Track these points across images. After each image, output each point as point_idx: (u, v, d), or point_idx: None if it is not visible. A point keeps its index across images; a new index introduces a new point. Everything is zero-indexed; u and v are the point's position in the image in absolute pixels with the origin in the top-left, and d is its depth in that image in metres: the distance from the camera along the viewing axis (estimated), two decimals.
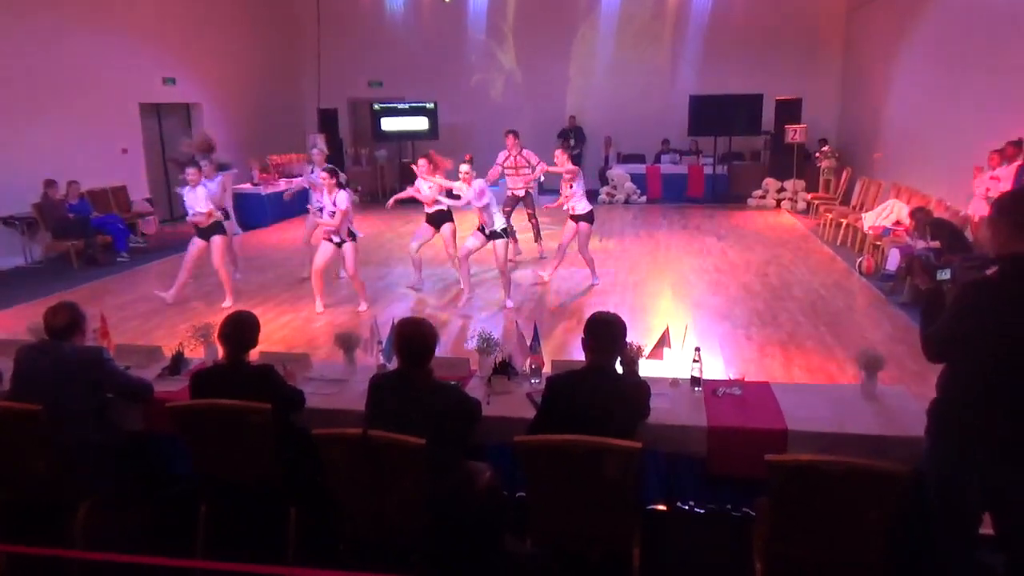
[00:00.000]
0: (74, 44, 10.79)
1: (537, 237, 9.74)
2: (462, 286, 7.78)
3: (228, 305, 7.44)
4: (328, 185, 6.97)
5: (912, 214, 8.13)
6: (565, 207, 8.05)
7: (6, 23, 9.63)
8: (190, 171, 7.38)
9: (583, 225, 7.96)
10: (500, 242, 7.22)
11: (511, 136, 9.26)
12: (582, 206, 7.92)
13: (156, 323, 7.17)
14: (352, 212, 7.20)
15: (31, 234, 10.01)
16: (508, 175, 9.32)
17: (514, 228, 8.38)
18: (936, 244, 7.39)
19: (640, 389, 3.11)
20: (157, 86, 12.76)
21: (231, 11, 14.55)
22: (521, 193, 9.38)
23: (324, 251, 7.21)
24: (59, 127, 10.50)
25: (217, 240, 7.56)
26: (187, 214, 7.56)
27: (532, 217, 9.66)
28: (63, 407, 3.24)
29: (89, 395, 3.35)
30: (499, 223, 7.21)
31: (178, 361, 4.02)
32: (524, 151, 9.27)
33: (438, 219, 8.02)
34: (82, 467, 3.30)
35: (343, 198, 6.94)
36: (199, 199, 7.41)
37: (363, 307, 7.38)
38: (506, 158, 9.28)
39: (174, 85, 13.09)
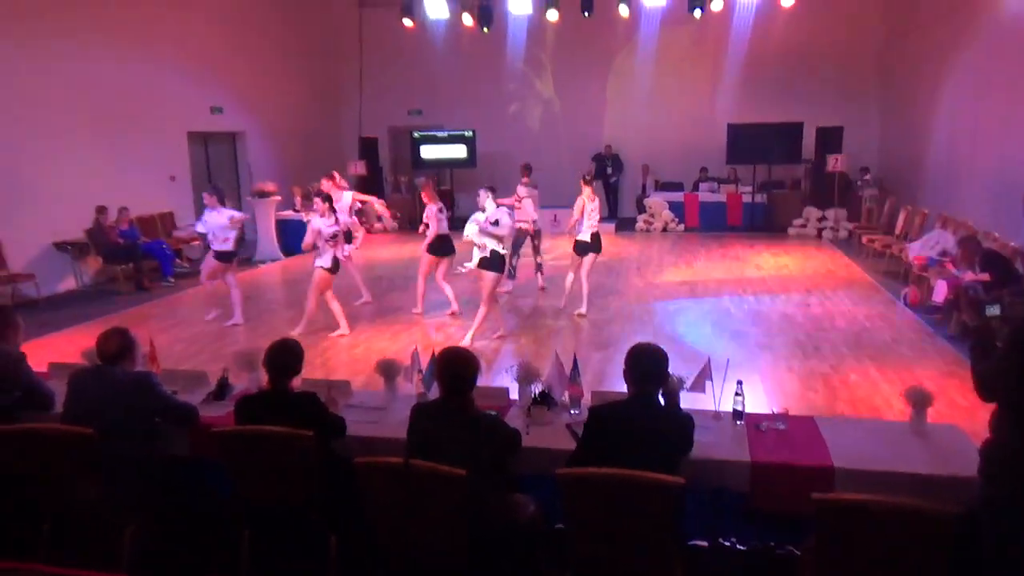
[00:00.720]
0: (128, 76, 11.19)
1: (538, 269, 9.63)
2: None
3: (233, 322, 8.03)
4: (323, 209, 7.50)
5: (960, 243, 7.95)
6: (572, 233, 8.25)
7: (66, 55, 10.01)
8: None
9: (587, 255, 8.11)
10: (490, 274, 7.11)
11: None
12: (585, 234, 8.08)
13: (200, 347, 7.32)
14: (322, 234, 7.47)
15: (82, 259, 10.33)
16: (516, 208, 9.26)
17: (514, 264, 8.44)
18: (985, 277, 7.20)
19: (684, 422, 3.08)
20: (205, 115, 13.14)
21: (276, 41, 14.96)
22: (525, 226, 9.26)
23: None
24: (111, 155, 10.86)
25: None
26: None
27: (536, 251, 9.61)
28: (113, 430, 3.31)
29: (138, 419, 3.43)
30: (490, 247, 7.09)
31: (223, 386, 4.09)
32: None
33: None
34: (130, 490, 3.36)
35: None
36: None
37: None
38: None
39: (221, 114, 13.47)
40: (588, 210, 8.11)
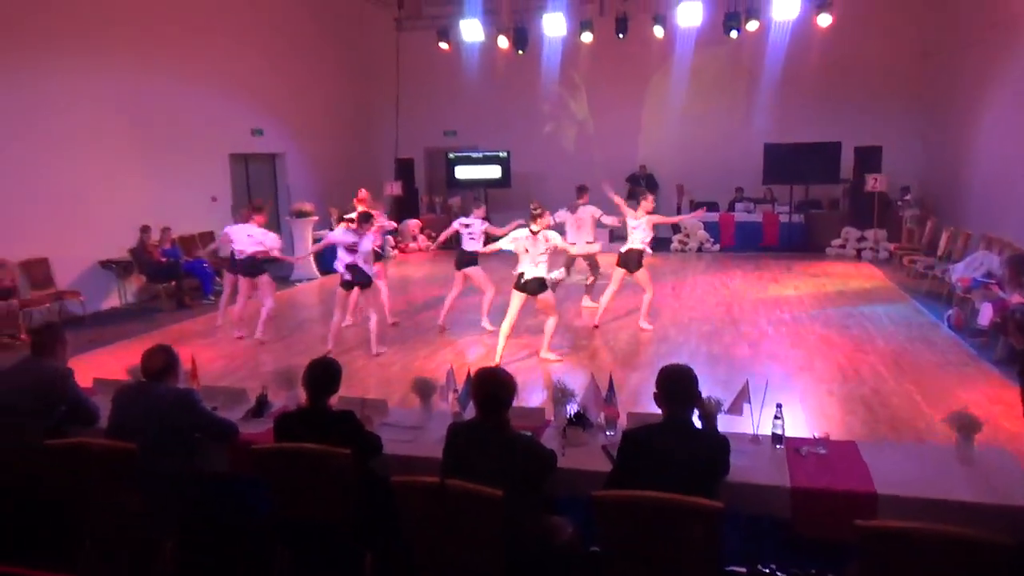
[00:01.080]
0: (173, 99, 11.51)
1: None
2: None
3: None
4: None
5: (1008, 263, 7.71)
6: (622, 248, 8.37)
7: (114, 79, 10.36)
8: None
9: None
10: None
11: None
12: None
13: (238, 364, 7.43)
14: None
15: (126, 277, 10.59)
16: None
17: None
18: None
19: (719, 445, 3.05)
20: (246, 137, 13.45)
21: (316, 65, 15.28)
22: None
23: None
24: (156, 176, 11.16)
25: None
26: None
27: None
28: (156, 446, 3.38)
29: (180, 435, 3.49)
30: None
31: (262, 404, 4.15)
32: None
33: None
34: (169, 505, 3.42)
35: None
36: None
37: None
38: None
39: (262, 136, 13.77)
40: (631, 224, 8.26)
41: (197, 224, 12.01)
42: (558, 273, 7.09)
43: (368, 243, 7.59)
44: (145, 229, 10.35)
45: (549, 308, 7.05)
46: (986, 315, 7.43)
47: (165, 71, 11.33)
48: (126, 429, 3.44)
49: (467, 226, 8.27)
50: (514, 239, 6.89)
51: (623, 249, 8.37)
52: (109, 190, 10.31)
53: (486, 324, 8.39)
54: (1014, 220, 10.15)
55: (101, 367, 6.89)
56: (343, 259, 7.50)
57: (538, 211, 6.82)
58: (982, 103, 11.85)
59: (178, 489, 3.46)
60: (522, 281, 6.87)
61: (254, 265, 8.12)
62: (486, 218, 8.49)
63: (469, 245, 8.23)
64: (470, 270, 8.26)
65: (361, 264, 7.43)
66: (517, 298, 6.93)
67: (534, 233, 6.79)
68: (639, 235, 8.27)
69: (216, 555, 3.75)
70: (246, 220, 8.25)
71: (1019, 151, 10.39)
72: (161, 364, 3.56)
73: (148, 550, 3.42)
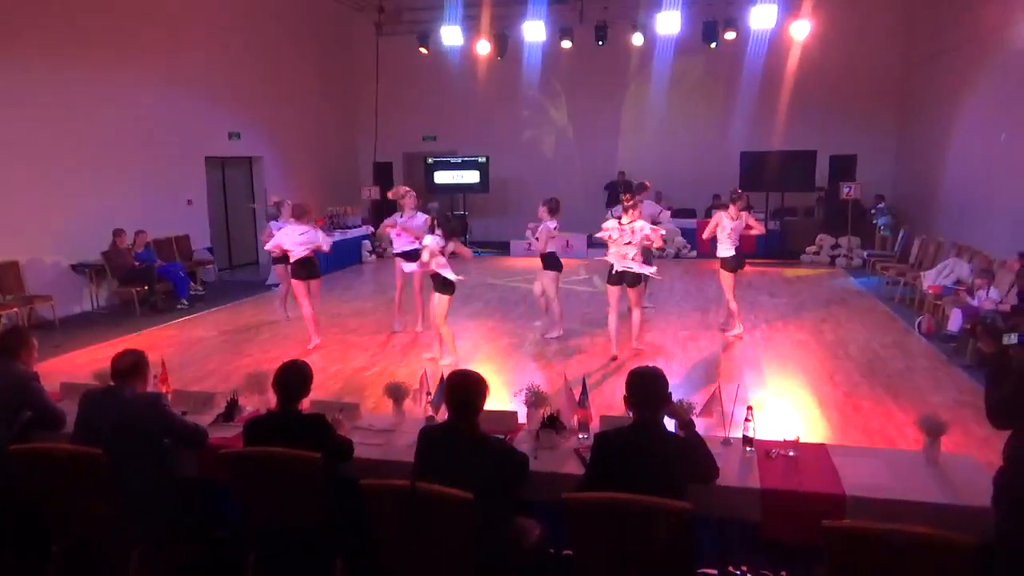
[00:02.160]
0: (148, 101, 11.39)
1: None
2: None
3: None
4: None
5: (1020, 258, 7.73)
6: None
7: (85, 81, 10.22)
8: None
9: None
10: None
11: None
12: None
13: (211, 369, 7.35)
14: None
15: (98, 281, 10.44)
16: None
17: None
18: (1005, 308, 7.12)
19: (688, 446, 3.06)
20: (223, 140, 13.34)
21: (294, 68, 15.20)
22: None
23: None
24: (129, 179, 11.02)
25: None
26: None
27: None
28: (123, 451, 3.32)
29: (148, 440, 3.44)
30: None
31: (232, 408, 4.10)
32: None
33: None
34: (138, 511, 3.37)
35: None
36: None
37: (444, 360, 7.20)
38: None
39: (239, 140, 13.66)
40: (727, 228, 8.16)
41: (172, 227, 11.88)
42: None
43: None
44: (118, 232, 10.21)
45: (638, 301, 7.36)
46: (956, 321, 7.56)
47: (140, 74, 11.21)
48: (92, 434, 3.39)
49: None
50: (605, 229, 7.16)
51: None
52: (82, 192, 10.16)
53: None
54: (983, 229, 10.33)
55: (70, 372, 6.80)
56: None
57: (631, 203, 7.05)
58: (953, 114, 12.06)
59: (146, 495, 3.40)
60: (613, 273, 7.17)
61: (313, 266, 7.90)
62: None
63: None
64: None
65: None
66: (612, 291, 7.28)
67: (622, 225, 7.00)
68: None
69: (186, 561, 3.70)
70: (297, 220, 7.89)
71: (988, 162, 10.59)
72: (130, 364, 3.51)
73: (117, 557, 3.37)
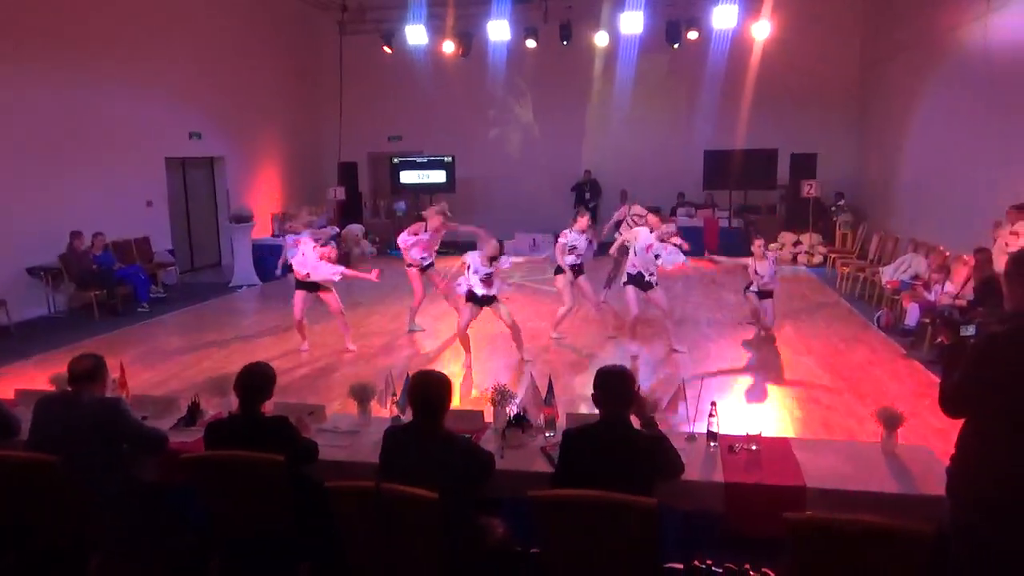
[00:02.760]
0: (107, 101, 11.15)
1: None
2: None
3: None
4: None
5: (975, 254, 7.89)
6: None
7: (39, 78, 9.97)
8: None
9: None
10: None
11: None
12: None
13: (173, 373, 7.22)
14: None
15: (55, 284, 10.18)
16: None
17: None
18: (962, 302, 7.27)
19: (655, 443, 3.09)
20: (183, 141, 13.10)
21: (256, 68, 14.98)
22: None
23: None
24: (87, 180, 10.77)
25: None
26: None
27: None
28: (80, 458, 3.25)
29: (105, 446, 3.36)
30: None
31: (194, 412, 4.03)
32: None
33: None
34: (96, 518, 3.29)
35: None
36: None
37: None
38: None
39: (200, 140, 13.44)
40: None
41: (131, 229, 11.64)
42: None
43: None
44: (76, 235, 9.97)
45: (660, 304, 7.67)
46: (914, 315, 7.73)
47: (98, 73, 10.96)
48: (48, 441, 3.30)
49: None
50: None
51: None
52: (37, 194, 9.90)
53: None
54: (938, 225, 10.59)
55: (26, 379, 6.63)
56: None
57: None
58: (910, 113, 12.34)
59: (104, 502, 3.33)
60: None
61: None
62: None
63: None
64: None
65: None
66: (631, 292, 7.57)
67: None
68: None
69: (147, 568, 3.63)
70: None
71: (942, 160, 10.85)
72: (88, 367, 3.42)
73: (74, 567, 3.29)
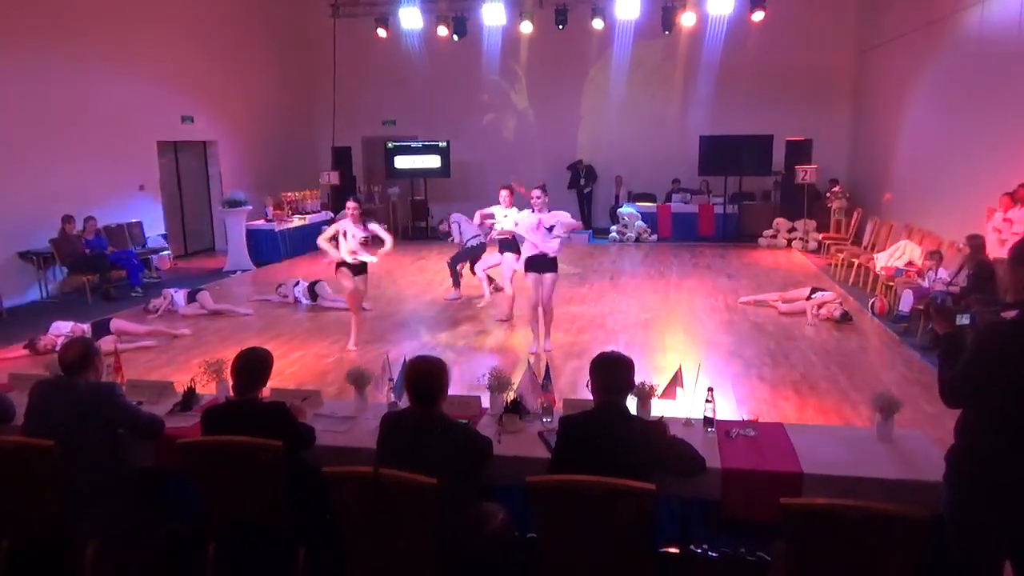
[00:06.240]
0: (97, 84, 11.04)
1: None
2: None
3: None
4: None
5: (968, 240, 7.89)
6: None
7: (30, 62, 9.86)
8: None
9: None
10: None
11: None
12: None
13: (168, 358, 7.20)
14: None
15: (47, 269, 10.12)
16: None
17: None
18: (955, 289, 7.29)
19: (654, 429, 3.09)
20: (175, 124, 12.99)
21: (249, 51, 14.85)
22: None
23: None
24: (79, 164, 10.68)
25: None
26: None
27: None
28: (75, 443, 3.23)
29: (101, 431, 3.35)
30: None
31: (190, 397, 4.02)
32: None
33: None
34: (92, 503, 3.29)
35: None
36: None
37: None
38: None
39: (192, 123, 13.33)
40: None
41: (124, 214, 11.57)
42: None
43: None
44: (67, 219, 9.91)
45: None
46: (907, 302, 7.76)
47: (89, 56, 10.85)
48: (44, 426, 3.29)
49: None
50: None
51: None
52: (28, 178, 9.82)
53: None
54: (933, 211, 10.61)
55: (19, 362, 6.61)
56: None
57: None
58: (905, 100, 12.33)
59: (100, 488, 3.32)
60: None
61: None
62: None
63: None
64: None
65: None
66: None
67: None
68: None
69: (143, 554, 3.63)
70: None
71: (937, 146, 10.85)
72: (78, 356, 3.40)
73: (70, 553, 3.28)
